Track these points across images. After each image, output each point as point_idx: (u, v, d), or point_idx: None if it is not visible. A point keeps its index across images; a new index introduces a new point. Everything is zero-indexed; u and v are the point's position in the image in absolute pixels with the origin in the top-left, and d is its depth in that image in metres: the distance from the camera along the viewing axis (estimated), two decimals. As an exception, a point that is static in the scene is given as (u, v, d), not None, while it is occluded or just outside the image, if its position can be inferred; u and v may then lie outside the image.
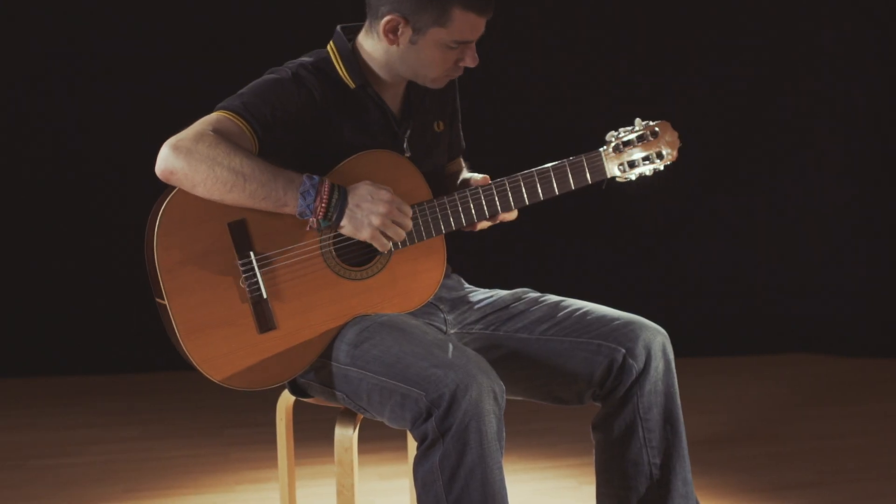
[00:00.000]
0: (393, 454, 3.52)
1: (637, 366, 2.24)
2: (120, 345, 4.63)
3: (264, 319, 2.16)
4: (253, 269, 2.14)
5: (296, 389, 2.31)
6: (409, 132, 2.33)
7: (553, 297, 2.38)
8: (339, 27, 2.31)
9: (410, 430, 2.06)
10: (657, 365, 2.25)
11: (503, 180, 2.30)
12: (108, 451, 3.65)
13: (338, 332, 2.20)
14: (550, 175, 2.30)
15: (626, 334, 2.25)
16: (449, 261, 2.44)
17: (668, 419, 2.26)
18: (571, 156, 2.33)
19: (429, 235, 2.27)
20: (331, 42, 2.30)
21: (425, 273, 2.30)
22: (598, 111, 4.79)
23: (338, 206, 2.10)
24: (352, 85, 2.26)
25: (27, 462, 3.53)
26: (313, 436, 3.25)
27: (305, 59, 2.28)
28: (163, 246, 2.11)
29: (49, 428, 3.89)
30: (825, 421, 4.00)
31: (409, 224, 2.17)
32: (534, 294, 2.40)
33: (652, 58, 4.90)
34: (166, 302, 2.12)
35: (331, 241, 2.21)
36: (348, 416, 2.23)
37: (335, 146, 2.22)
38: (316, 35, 2.63)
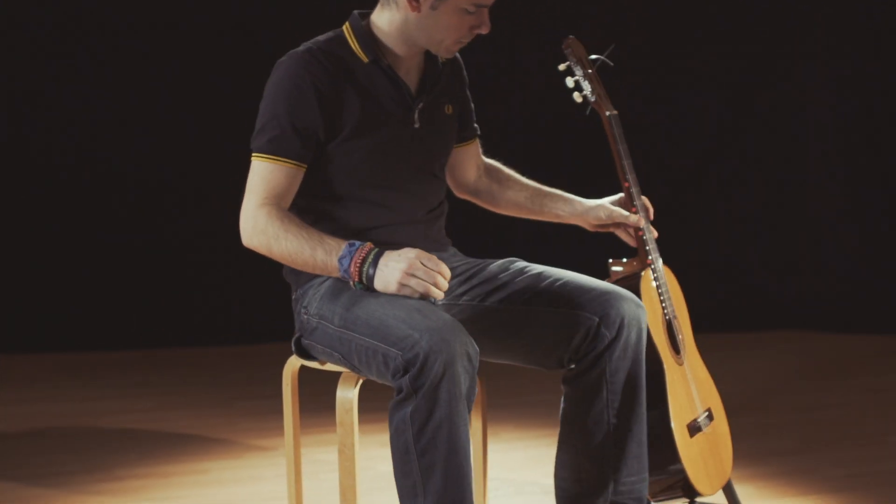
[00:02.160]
0: (394, 423, 3.66)
1: (609, 334, 2.36)
2: (135, 321, 4.78)
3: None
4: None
5: (301, 351, 2.46)
6: (421, 105, 2.42)
7: (537, 268, 2.49)
8: (355, 11, 2.42)
9: (391, 383, 2.21)
10: (629, 334, 2.37)
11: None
12: (124, 420, 3.82)
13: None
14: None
15: (601, 304, 2.36)
16: (448, 234, 2.61)
17: (632, 384, 2.39)
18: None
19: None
20: (346, 22, 2.41)
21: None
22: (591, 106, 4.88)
23: (370, 267, 2.22)
24: (365, 59, 2.36)
25: (49, 431, 3.70)
26: (319, 406, 3.37)
27: (320, 38, 2.39)
28: None
29: (69, 400, 4.07)
30: (808, 394, 4.15)
31: (437, 277, 2.20)
32: (520, 264, 2.51)
33: (647, 45, 4.99)
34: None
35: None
36: (349, 378, 2.34)
37: (353, 121, 2.34)
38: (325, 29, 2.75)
